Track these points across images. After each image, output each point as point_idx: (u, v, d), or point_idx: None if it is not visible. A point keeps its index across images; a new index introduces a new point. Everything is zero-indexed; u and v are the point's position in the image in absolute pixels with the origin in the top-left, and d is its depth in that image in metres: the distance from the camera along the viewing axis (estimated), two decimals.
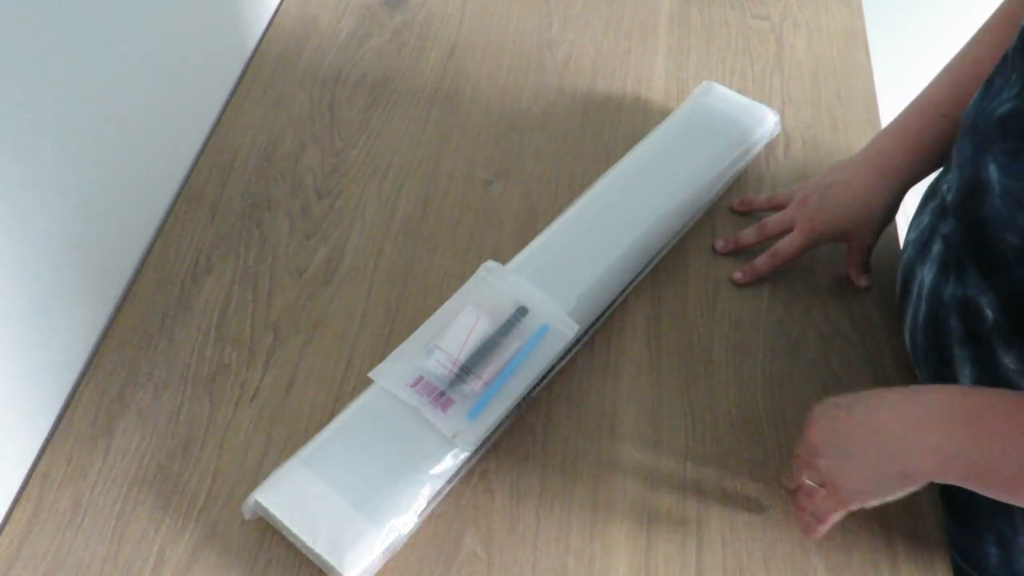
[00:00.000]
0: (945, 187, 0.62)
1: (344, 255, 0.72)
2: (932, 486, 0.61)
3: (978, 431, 0.49)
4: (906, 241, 0.70)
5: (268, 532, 0.57)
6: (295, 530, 0.54)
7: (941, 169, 0.68)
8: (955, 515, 0.62)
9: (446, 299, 0.69)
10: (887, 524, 0.60)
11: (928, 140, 0.68)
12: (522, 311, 0.63)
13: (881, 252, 0.75)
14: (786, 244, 0.71)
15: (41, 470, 0.59)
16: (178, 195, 0.75)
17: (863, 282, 0.71)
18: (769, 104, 0.83)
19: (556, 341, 0.62)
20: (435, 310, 0.68)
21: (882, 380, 0.67)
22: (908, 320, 0.65)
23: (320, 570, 0.55)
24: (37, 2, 0.53)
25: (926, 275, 0.62)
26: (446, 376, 0.60)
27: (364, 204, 0.76)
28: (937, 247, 0.62)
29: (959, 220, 0.59)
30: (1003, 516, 0.60)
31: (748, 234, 0.73)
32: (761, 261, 0.71)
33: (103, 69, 0.62)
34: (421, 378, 0.60)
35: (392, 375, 0.60)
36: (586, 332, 0.66)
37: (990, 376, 0.55)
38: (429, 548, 0.57)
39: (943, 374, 0.60)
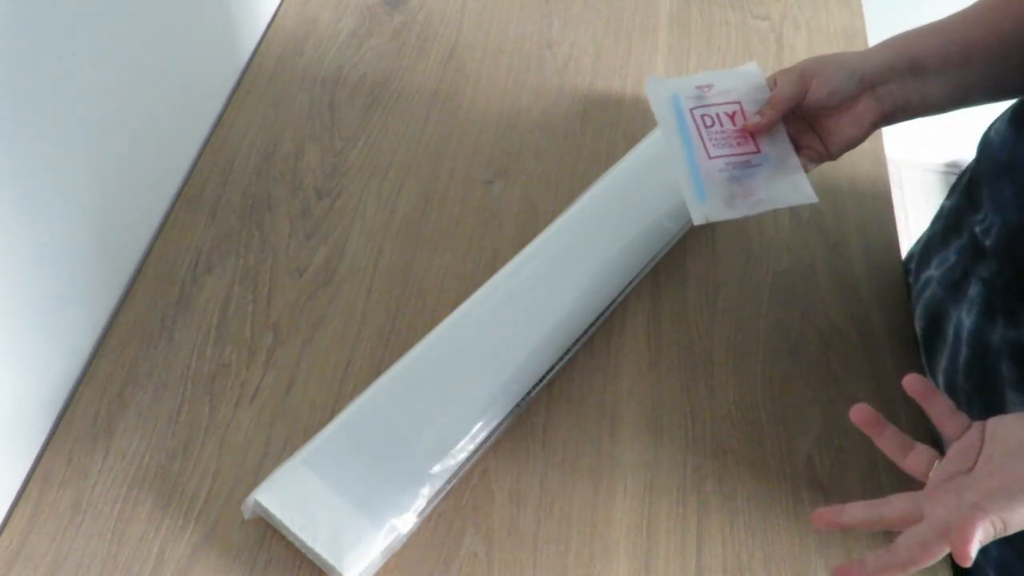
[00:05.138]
0: (978, 228, 0.61)
1: (344, 255, 0.72)
2: None
3: None
4: (927, 277, 0.69)
5: (268, 532, 0.57)
6: (295, 530, 0.54)
7: (956, 204, 0.68)
8: (1009, 549, 0.61)
9: (446, 299, 0.69)
10: None
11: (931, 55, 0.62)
12: None
13: (881, 253, 0.75)
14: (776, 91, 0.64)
15: (41, 470, 0.59)
16: (178, 195, 0.75)
17: (756, 118, 0.64)
18: None
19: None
20: (435, 310, 0.68)
21: (882, 380, 0.67)
22: (944, 362, 0.64)
23: (320, 570, 0.55)
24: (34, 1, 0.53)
25: (964, 317, 0.62)
26: None
27: (364, 204, 0.76)
28: (975, 289, 0.61)
29: (1006, 264, 0.58)
30: None
31: None
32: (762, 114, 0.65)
33: (103, 70, 0.62)
34: None
35: None
36: (586, 332, 0.66)
37: None
38: (429, 548, 0.57)
39: (990, 406, 0.59)
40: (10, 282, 0.54)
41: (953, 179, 2.03)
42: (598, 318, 0.67)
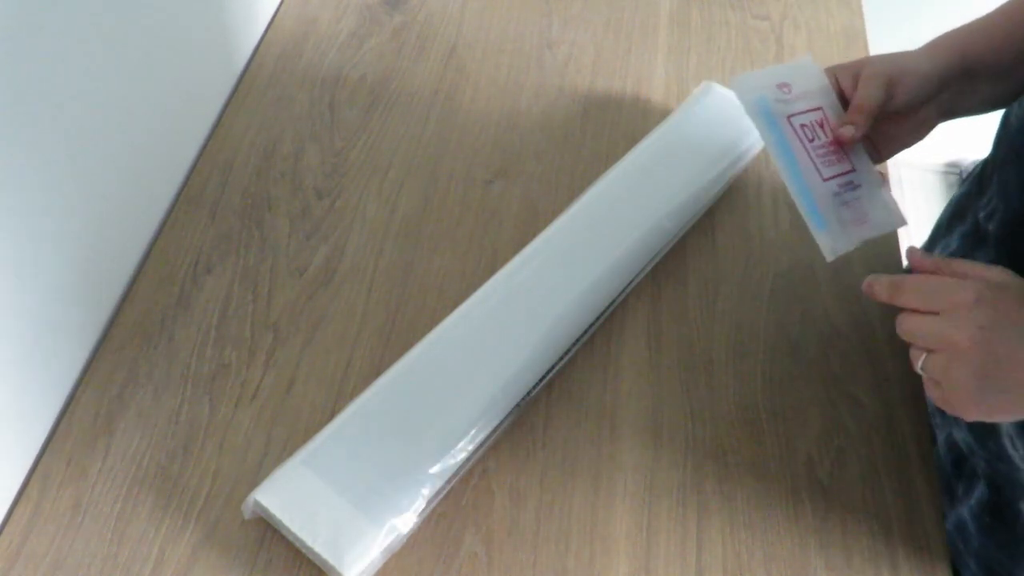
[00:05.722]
0: (982, 214, 0.61)
1: (344, 255, 0.72)
2: (936, 491, 0.61)
3: None
4: None
5: (268, 532, 0.57)
6: (295, 530, 0.54)
7: (968, 189, 0.67)
8: (991, 541, 0.61)
9: (446, 299, 0.69)
10: (887, 524, 0.60)
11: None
12: None
13: (882, 255, 0.75)
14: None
15: (41, 470, 0.59)
16: (178, 195, 0.75)
17: (849, 129, 0.60)
18: None
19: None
20: (435, 310, 0.68)
21: (882, 381, 0.67)
22: None
23: (320, 570, 0.55)
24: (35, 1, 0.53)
25: None
26: None
27: (364, 204, 0.76)
28: None
29: (1003, 254, 0.57)
30: None
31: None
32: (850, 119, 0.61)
33: (103, 70, 0.62)
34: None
35: None
36: (586, 332, 0.66)
37: None
38: (429, 548, 0.57)
39: None
40: (10, 282, 0.54)
41: (953, 179, 2.03)
42: (598, 318, 0.67)
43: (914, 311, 0.50)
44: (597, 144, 0.82)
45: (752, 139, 0.78)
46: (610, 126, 0.84)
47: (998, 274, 0.48)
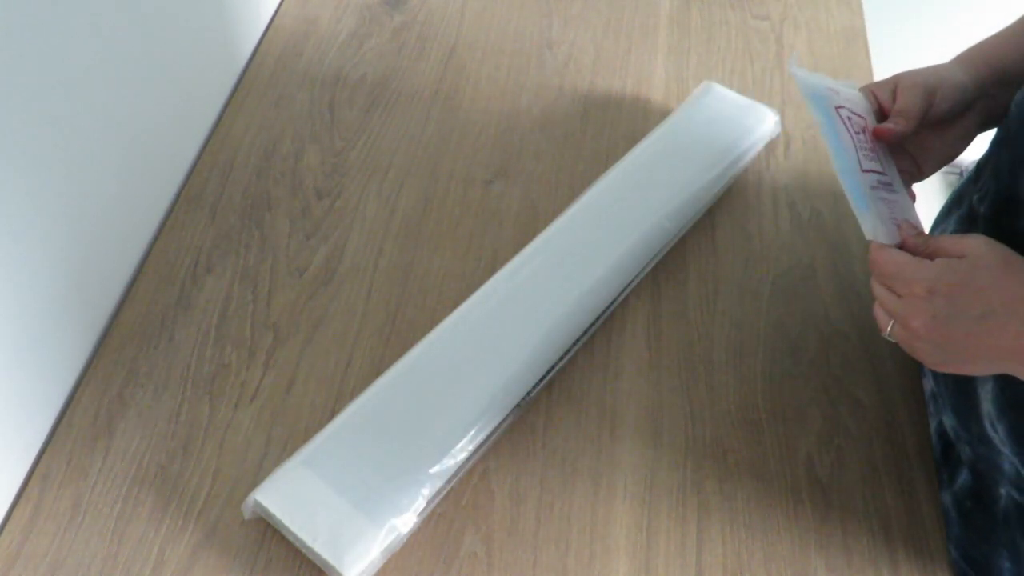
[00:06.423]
0: (976, 196, 0.62)
1: (344, 255, 0.72)
2: (936, 491, 0.61)
3: None
4: None
5: (268, 532, 0.57)
6: (295, 530, 0.54)
7: (967, 178, 0.68)
8: (969, 527, 0.62)
9: (446, 299, 0.69)
10: (887, 524, 0.60)
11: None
12: None
13: None
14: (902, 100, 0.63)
15: (41, 470, 0.59)
16: (178, 195, 0.75)
17: (892, 124, 0.61)
18: (769, 104, 0.83)
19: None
20: (435, 310, 0.68)
21: (882, 381, 0.67)
22: None
23: (320, 570, 0.55)
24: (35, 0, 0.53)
25: None
26: None
27: (364, 204, 0.76)
28: None
29: (992, 232, 0.58)
30: (1019, 530, 0.59)
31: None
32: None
33: (103, 70, 0.62)
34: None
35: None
36: (586, 332, 0.66)
37: (1013, 389, 0.55)
38: (429, 548, 0.57)
39: (961, 379, 0.60)
40: (9, 282, 0.54)
41: (953, 179, 2.03)
42: (598, 318, 0.67)
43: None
44: (597, 144, 0.82)
45: (752, 139, 0.78)
46: (610, 126, 0.84)
47: (972, 245, 0.50)
